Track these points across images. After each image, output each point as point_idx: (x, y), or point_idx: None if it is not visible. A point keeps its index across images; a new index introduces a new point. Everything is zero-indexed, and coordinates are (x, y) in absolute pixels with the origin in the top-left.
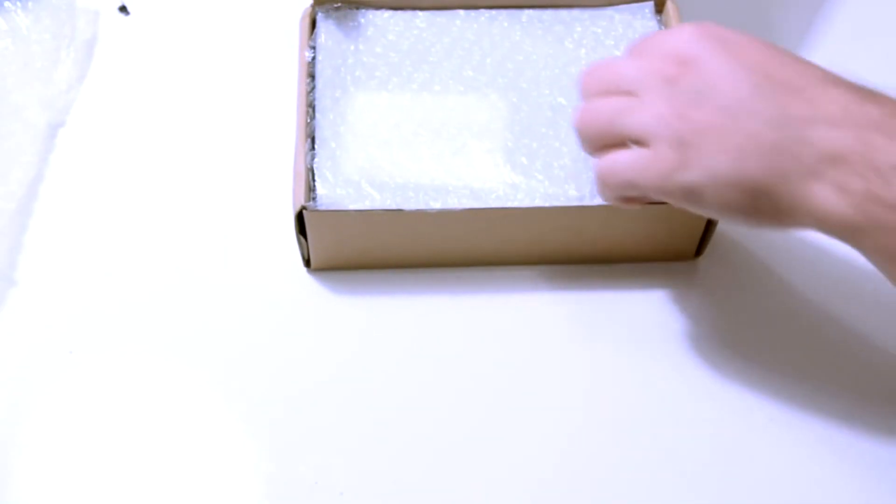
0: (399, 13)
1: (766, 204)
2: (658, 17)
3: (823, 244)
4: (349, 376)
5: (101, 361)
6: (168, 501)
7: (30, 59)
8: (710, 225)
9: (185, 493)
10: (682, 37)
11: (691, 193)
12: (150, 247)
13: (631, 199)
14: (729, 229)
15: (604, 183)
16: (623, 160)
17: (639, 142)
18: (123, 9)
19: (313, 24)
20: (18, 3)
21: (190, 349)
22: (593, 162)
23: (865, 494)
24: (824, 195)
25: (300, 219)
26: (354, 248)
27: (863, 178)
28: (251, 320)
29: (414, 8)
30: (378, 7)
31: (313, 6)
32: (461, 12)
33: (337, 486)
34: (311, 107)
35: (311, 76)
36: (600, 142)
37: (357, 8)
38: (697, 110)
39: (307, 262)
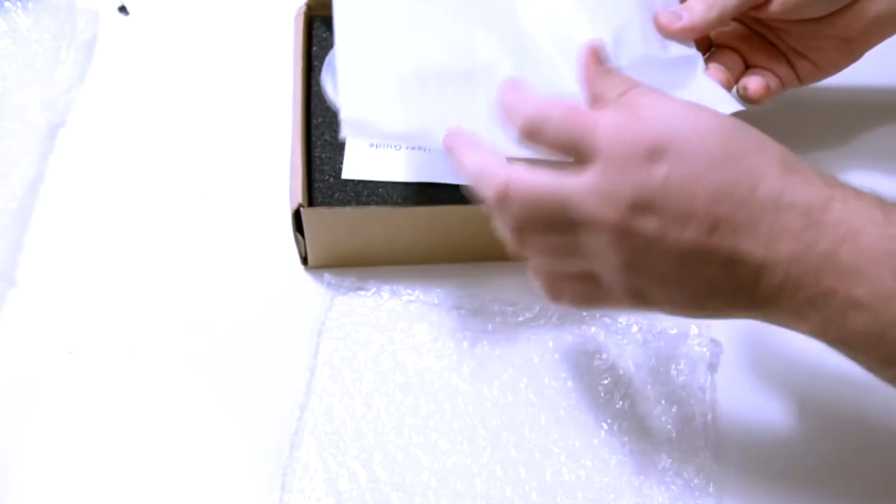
0: None
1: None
2: None
3: None
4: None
5: (101, 361)
6: (167, 501)
7: (30, 59)
8: None
9: (185, 493)
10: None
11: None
12: (149, 246)
13: None
14: None
15: (553, 300)
16: (573, 292)
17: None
18: (123, 9)
19: (308, 22)
20: (19, 4)
21: (189, 348)
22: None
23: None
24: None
25: (297, 217)
26: (352, 246)
27: None
28: (250, 319)
29: None
30: None
31: (307, 5)
32: None
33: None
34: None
35: (309, 71)
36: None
37: None
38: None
39: (304, 260)
